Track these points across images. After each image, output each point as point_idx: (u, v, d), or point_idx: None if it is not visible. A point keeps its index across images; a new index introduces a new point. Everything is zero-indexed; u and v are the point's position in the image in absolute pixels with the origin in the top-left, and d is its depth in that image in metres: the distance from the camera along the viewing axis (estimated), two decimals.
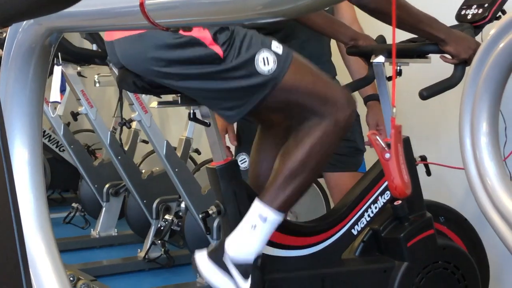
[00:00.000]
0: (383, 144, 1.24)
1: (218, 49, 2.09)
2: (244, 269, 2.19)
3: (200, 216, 2.47)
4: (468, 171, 1.44)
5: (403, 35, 2.55)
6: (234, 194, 2.37)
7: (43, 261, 1.05)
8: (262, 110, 2.30)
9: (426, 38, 2.43)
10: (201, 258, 2.22)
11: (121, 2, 0.93)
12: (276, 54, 2.14)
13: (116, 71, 3.58)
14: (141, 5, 0.89)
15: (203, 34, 2.08)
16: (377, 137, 1.26)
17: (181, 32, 2.07)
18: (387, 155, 1.26)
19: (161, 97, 2.45)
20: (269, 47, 2.14)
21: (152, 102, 2.58)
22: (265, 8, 0.81)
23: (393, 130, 1.23)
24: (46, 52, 1.09)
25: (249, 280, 2.20)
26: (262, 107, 2.22)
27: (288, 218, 2.92)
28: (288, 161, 2.20)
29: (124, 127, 3.50)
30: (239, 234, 2.21)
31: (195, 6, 0.87)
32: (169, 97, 2.41)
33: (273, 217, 2.20)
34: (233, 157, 2.60)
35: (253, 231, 2.19)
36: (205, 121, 2.38)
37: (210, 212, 2.40)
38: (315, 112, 2.19)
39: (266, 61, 2.13)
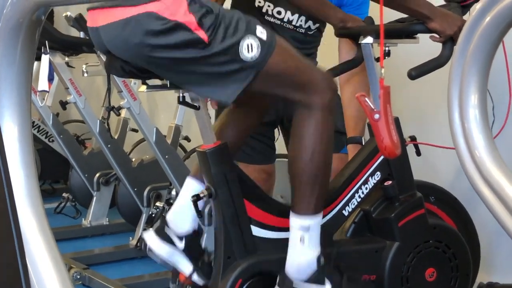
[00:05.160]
0: (372, 105, 1.24)
1: (203, 34, 2.08)
2: (316, 278, 2.26)
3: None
4: (457, 144, 1.44)
5: (390, 17, 2.56)
6: (225, 177, 2.37)
7: (35, 235, 1.05)
8: (244, 96, 2.31)
9: (410, 15, 2.46)
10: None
11: None
12: (260, 40, 2.14)
13: (103, 58, 3.57)
14: None
15: (188, 19, 2.06)
16: (366, 99, 1.26)
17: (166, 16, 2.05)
18: (376, 116, 1.27)
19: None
20: (253, 33, 2.13)
21: (141, 87, 2.57)
22: None
23: (381, 90, 1.24)
24: (33, 27, 1.08)
25: (328, 283, 2.27)
26: (246, 93, 2.24)
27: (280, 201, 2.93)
28: (301, 167, 2.25)
29: (113, 115, 3.50)
30: (293, 255, 2.27)
31: None
32: (158, 82, 2.40)
33: (314, 222, 2.26)
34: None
35: (303, 244, 2.26)
36: (195, 104, 2.37)
37: (201, 195, 2.40)
38: (299, 101, 2.22)
39: (250, 48, 2.12)
